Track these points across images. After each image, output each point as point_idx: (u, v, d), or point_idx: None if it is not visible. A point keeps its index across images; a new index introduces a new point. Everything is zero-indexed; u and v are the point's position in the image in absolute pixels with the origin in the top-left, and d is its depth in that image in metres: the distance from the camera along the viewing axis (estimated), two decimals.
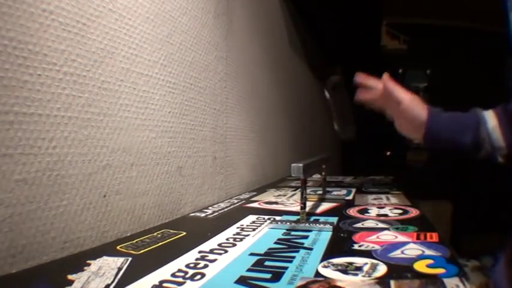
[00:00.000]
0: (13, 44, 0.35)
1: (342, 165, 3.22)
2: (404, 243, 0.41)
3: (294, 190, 0.86)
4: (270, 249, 0.41)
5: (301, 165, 0.50)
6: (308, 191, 0.84)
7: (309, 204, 0.68)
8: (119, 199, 0.49)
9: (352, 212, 0.59)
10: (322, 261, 0.36)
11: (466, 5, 2.79)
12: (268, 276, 0.33)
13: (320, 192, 0.80)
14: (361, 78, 0.76)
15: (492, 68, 2.97)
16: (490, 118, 0.67)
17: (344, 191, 0.82)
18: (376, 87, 0.74)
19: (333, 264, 0.35)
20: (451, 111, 0.69)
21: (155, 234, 0.48)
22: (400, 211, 0.59)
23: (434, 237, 0.43)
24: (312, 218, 0.56)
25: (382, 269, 0.33)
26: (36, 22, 0.37)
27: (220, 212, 0.63)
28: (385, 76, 0.73)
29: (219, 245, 0.43)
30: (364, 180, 1.04)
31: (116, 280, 0.32)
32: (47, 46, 0.38)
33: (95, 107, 0.45)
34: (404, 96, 0.70)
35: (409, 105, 0.69)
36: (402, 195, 0.76)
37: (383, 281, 0.30)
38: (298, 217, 0.53)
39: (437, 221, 0.56)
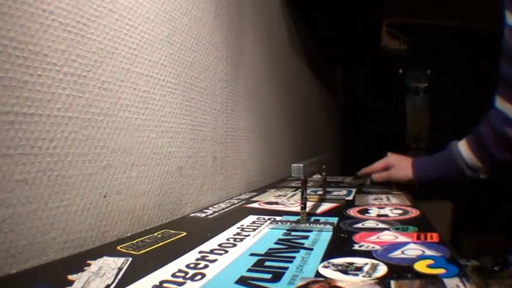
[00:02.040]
0: (13, 44, 0.35)
1: (342, 165, 3.22)
2: (404, 244, 0.41)
3: (294, 190, 0.86)
4: (270, 249, 0.41)
5: (301, 165, 0.50)
6: (308, 191, 0.84)
7: (309, 204, 0.68)
8: (119, 199, 0.49)
9: (353, 212, 0.59)
10: (322, 261, 0.36)
11: (466, 5, 2.79)
12: (268, 276, 0.33)
13: (320, 192, 0.80)
14: (362, 173, 1.03)
15: (492, 68, 2.97)
16: (462, 147, 0.83)
17: (344, 191, 0.82)
18: (377, 170, 0.98)
19: (333, 265, 0.35)
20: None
21: (155, 234, 0.48)
22: (400, 211, 0.59)
23: (434, 237, 0.43)
24: (312, 218, 0.56)
25: (382, 269, 0.33)
26: (37, 22, 0.37)
27: (220, 212, 0.63)
28: (376, 177, 0.97)
29: (220, 245, 0.43)
30: (364, 180, 1.04)
31: (116, 280, 0.32)
32: (47, 46, 0.38)
33: (95, 107, 0.45)
34: (400, 177, 0.92)
35: (406, 179, 0.91)
36: (402, 195, 0.76)
37: (383, 281, 0.30)
38: (299, 217, 0.53)
39: (437, 221, 0.56)
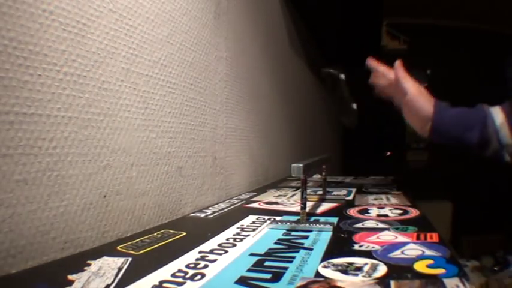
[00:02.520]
0: (13, 44, 0.35)
1: (342, 165, 3.22)
2: (404, 244, 0.41)
3: (294, 190, 0.86)
4: (270, 249, 0.41)
5: (301, 165, 0.50)
6: (308, 191, 0.84)
7: (309, 204, 0.68)
8: (119, 199, 0.49)
9: (353, 212, 0.59)
10: (322, 261, 0.36)
11: (466, 5, 2.79)
12: (268, 276, 0.33)
13: (320, 192, 0.80)
14: (372, 62, 0.79)
15: (492, 68, 2.97)
16: (498, 114, 0.66)
17: (344, 191, 0.82)
18: (387, 74, 0.77)
19: (333, 265, 0.35)
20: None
21: (155, 234, 0.48)
22: (400, 211, 0.59)
23: (434, 237, 0.43)
24: (312, 218, 0.56)
25: (382, 269, 0.33)
26: (37, 22, 0.37)
27: (220, 212, 0.63)
28: (397, 63, 0.76)
29: (219, 245, 0.43)
30: (364, 180, 1.04)
31: (116, 280, 0.32)
32: (47, 46, 0.38)
33: (95, 107, 0.45)
34: (411, 87, 0.71)
35: (414, 97, 0.69)
36: (402, 195, 0.76)
37: (383, 281, 0.30)
38: (299, 217, 0.53)
39: (437, 221, 0.56)
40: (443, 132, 0.68)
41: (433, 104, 0.69)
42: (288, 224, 0.51)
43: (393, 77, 0.75)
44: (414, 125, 0.72)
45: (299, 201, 0.54)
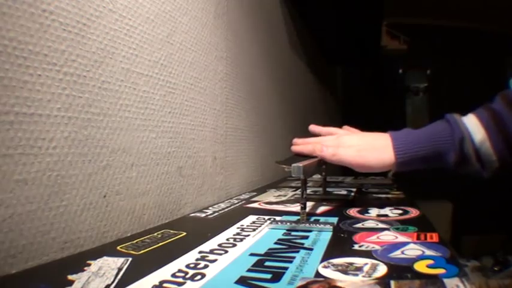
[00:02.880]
0: (13, 44, 0.35)
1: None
2: (404, 244, 0.41)
3: (295, 190, 0.86)
4: (270, 249, 0.41)
5: (301, 165, 0.50)
6: (308, 191, 0.84)
7: (309, 204, 0.68)
8: (119, 199, 0.49)
9: (353, 212, 0.59)
10: (322, 261, 0.36)
11: (465, 5, 2.79)
12: (268, 276, 0.33)
13: (320, 192, 0.80)
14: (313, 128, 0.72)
15: (492, 68, 2.97)
16: (476, 129, 0.56)
17: (344, 191, 0.82)
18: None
19: (333, 265, 0.35)
20: (451, 112, 0.59)
21: (155, 234, 0.48)
22: (400, 211, 0.59)
23: (434, 237, 0.43)
24: (313, 218, 0.56)
25: (382, 269, 0.33)
26: (37, 22, 0.37)
27: (220, 212, 0.63)
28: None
29: (219, 245, 0.43)
30: (364, 180, 1.04)
31: (116, 280, 0.32)
32: (47, 46, 0.38)
33: (95, 107, 0.45)
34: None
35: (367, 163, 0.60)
36: (402, 195, 0.76)
37: (383, 281, 0.30)
38: (298, 217, 0.53)
39: (437, 221, 0.56)
40: (410, 164, 0.59)
41: (393, 147, 0.59)
42: (288, 224, 0.51)
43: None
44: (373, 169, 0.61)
45: (299, 201, 0.54)
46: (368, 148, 0.61)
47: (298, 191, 0.68)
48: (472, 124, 0.57)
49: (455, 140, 0.56)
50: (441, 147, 0.57)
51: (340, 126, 0.75)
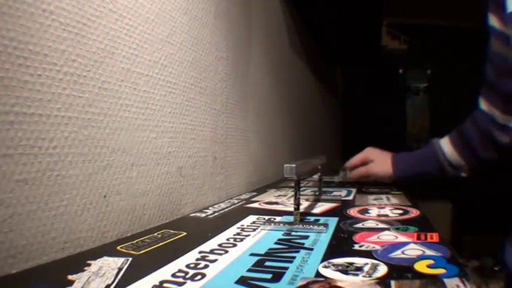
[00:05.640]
0: (13, 44, 0.35)
1: (342, 165, 3.21)
2: (404, 244, 0.41)
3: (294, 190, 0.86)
4: (270, 249, 0.41)
5: (293, 165, 0.49)
6: (307, 191, 0.84)
7: (306, 204, 0.68)
8: (119, 199, 0.49)
9: (353, 212, 0.59)
10: (322, 261, 0.36)
11: (465, 5, 2.79)
12: (268, 276, 0.33)
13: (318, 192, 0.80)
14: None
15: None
16: (445, 145, 0.83)
17: (344, 192, 0.82)
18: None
19: (334, 265, 0.35)
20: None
21: (155, 234, 0.48)
22: (400, 211, 0.59)
23: (434, 237, 0.43)
24: (313, 219, 0.56)
25: (382, 269, 0.33)
26: (37, 22, 0.37)
27: (220, 212, 0.63)
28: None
29: (220, 245, 0.43)
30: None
31: (116, 280, 0.32)
32: (47, 46, 0.38)
33: (95, 107, 0.45)
34: (368, 170, 0.91)
35: (374, 172, 0.91)
36: (402, 195, 0.76)
37: (383, 281, 0.30)
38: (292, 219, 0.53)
39: (437, 221, 0.56)
40: (405, 176, 0.89)
41: (390, 164, 0.90)
42: (282, 225, 0.51)
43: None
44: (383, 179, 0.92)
45: (293, 202, 0.54)
46: (379, 164, 0.95)
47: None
48: (443, 142, 0.85)
49: (431, 155, 0.86)
50: (422, 163, 0.88)
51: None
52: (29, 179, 0.36)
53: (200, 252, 0.41)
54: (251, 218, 0.57)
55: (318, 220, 0.55)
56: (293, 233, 0.48)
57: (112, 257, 0.38)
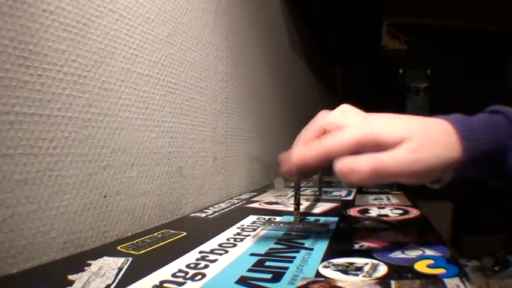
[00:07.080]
0: (13, 44, 0.35)
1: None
2: (404, 244, 0.40)
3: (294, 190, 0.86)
4: (270, 249, 0.41)
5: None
6: (308, 191, 0.84)
7: (306, 204, 0.68)
8: (119, 199, 0.49)
9: (353, 212, 0.59)
10: (322, 261, 0.36)
11: (465, 5, 2.79)
12: (268, 276, 0.33)
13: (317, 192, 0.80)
14: None
15: (492, 68, 2.97)
16: None
17: (344, 192, 0.82)
18: None
19: (334, 265, 0.35)
20: (451, 112, 0.47)
21: (156, 234, 0.48)
22: (400, 211, 0.59)
23: (434, 237, 0.43)
24: (313, 219, 0.56)
25: (382, 269, 0.33)
26: (37, 22, 0.37)
27: (220, 212, 0.63)
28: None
29: (220, 245, 0.43)
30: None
31: (117, 280, 0.32)
32: (47, 46, 0.38)
33: (96, 107, 0.45)
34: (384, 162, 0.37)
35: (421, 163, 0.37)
36: (403, 195, 0.76)
37: (383, 281, 0.30)
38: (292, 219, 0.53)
39: (437, 221, 0.56)
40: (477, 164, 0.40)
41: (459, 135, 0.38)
42: (282, 225, 0.51)
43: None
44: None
45: (293, 203, 0.53)
46: (425, 142, 0.37)
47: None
48: None
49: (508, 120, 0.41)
50: (505, 140, 0.40)
51: None
52: (29, 179, 0.36)
53: (200, 252, 0.41)
54: (251, 218, 0.57)
55: (318, 220, 0.55)
56: (293, 233, 0.48)
57: (112, 257, 0.38)
